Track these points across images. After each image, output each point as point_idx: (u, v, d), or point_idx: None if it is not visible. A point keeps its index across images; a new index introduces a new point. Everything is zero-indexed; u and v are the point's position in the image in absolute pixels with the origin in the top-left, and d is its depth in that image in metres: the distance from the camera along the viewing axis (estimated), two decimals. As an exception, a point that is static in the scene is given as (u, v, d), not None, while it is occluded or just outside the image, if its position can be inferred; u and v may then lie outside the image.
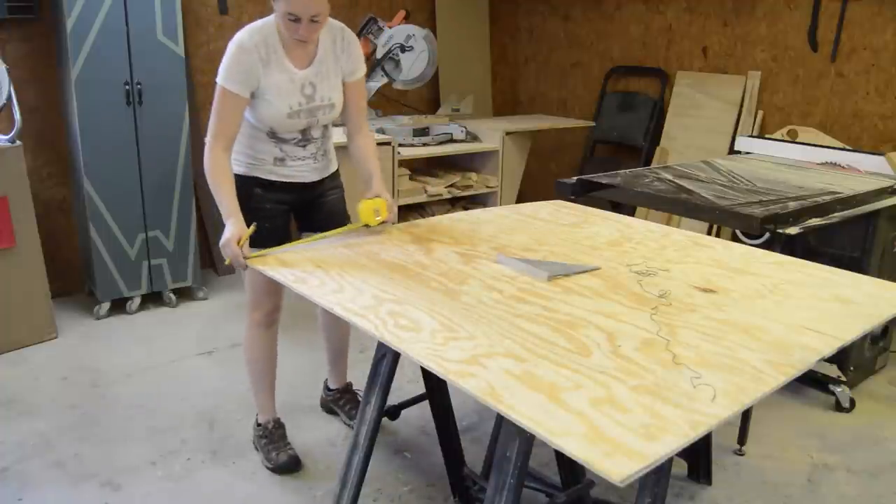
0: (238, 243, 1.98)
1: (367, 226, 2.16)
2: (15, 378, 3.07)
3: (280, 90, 2.15)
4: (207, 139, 2.12)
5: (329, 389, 2.84)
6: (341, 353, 2.77)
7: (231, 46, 2.10)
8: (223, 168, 2.12)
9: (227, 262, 2.00)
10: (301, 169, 2.32)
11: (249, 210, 2.15)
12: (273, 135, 2.24)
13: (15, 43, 3.62)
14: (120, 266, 3.68)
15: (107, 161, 3.53)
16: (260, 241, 2.06)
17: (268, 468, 2.47)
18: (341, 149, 2.45)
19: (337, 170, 2.49)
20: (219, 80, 2.10)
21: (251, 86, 2.12)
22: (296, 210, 2.41)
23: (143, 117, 3.59)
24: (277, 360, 2.56)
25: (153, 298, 3.87)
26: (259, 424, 2.58)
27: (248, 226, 2.04)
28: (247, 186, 2.25)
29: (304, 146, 2.29)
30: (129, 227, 3.67)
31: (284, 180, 2.31)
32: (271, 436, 2.53)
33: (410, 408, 2.50)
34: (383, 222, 2.18)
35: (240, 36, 2.11)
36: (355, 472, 1.97)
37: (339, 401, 2.78)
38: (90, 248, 3.62)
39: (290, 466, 2.45)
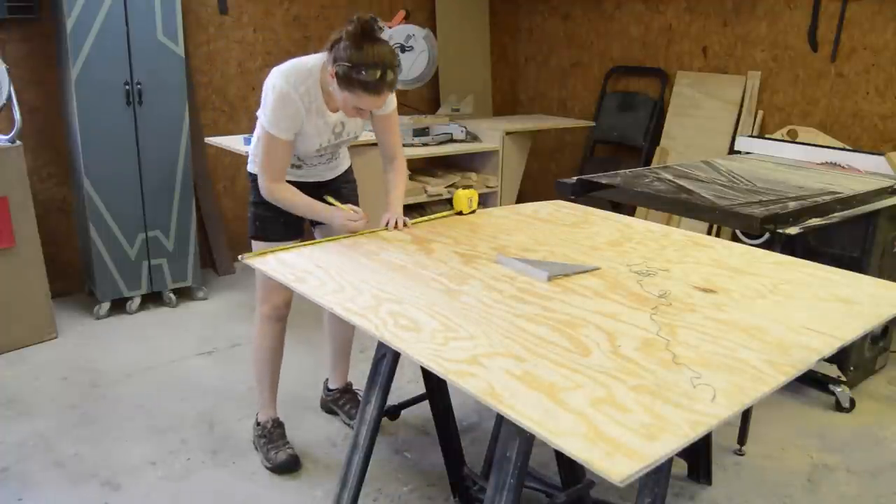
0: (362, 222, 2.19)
1: (460, 213, 2.45)
2: (15, 378, 3.07)
3: (315, 131, 2.23)
4: (262, 178, 2.23)
5: (329, 389, 2.84)
6: (344, 353, 2.77)
7: (275, 95, 2.13)
8: (286, 190, 2.24)
9: (361, 233, 2.19)
10: (315, 171, 2.42)
11: (267, 204, 2.28)
12: (295, 157, 2.33)
13: (15, 43, 3.62)
14: (120, 266, 3.68)
15: (107, 161, 3.53)
16: (273, 233, 2.25)
17: (267, 468, 2.47)
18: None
19: (350, 166, 2.56)
20: (266, 125, 2.16)
21: (296, 129, 2.19)
22: (326, 195, 2.44)
23: (143, 117, 3.59)
24: (289, 357, 2.59)
25: (153, 298, 3.87)
26: (258, 423, 2.58)
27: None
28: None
29: (320, 157, 2.39)
30: (129, 227, 3.67)
31: (300, 180, 2.38)
32: (270, 435, 2.53)
33: (410, 408, 2.50)
34: (473, 211, 2.47)
35: (282, 85, 2.13)
36: (355, 472, 1.97)
37: (339, 401, 2.78)
38: (90, 248, 3.62)
39: (289, 466, 2.45)
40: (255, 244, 2.38)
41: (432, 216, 2.43)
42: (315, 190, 2.39)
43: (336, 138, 2.30)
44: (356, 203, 2.48)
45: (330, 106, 2.22)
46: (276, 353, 2.53)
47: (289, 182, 2.32)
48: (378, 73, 1.98)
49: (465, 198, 2.46)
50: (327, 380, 2.86)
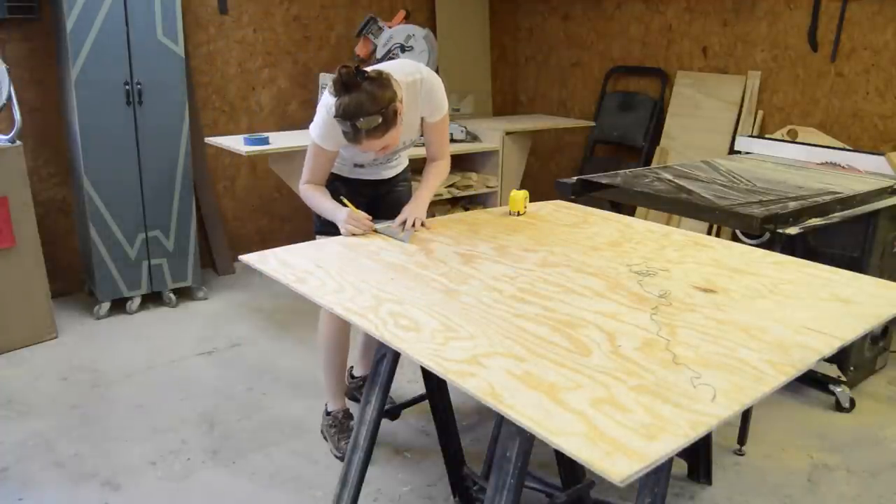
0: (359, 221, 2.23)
1: (518, 213, 2.49)
2: (15, 378, 3.07)
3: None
4: (302, 182, 2.35)
5: (353, 377, 2.91)
6: (374, 343, 2.79)
7: (323, 109, 2.19)
8: (315, 191, 2.33)
9: (357, 233, 2.22)
10: (375, 170, 2.50)
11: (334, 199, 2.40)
12: (355, 163, 2.46)
13: (15, 43, 3.62)
14: (120, 266, 3.68)
15: (107, 161, 3.53)
16: (336, 228, 2.29)
17: (336, 457, 2.53)
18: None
19: (407, 166, 2.64)
20: (314, 137, 2.26)
21: (338, 144, 2.24)
22: (369, 203, 2.49)
23: (143, 117, 3.59)
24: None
25: (153, 298, 3.87)
26: (328, 413, 2.63)
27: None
28: (329, 180, 2.44)
29: (378, 163, 2.47)
30: (129, 227, 3.67)
31: (360, 177, 2.49)
32: (340, 425, 2.59)
33: (410, 408, 2.51)
34: (520, 213, 2.50)
35: (331, 103, 2.14)
36: (355, 471, 1.97)
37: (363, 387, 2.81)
38: (90, 248, 3.62)
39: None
40: (320, 238, 2.41)
41: (472, 210, 2.49)
42: (373, 187, 2.52)
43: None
44: (404, 202, 2.50)
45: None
46: (342, 341, 2.55)
47: (349, 179, 2.47)
48: (348, 126, 2.01)
49: (522, 199, 2.49)
50: (352, 368, 2.92)
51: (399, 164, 2.58)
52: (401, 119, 2.11)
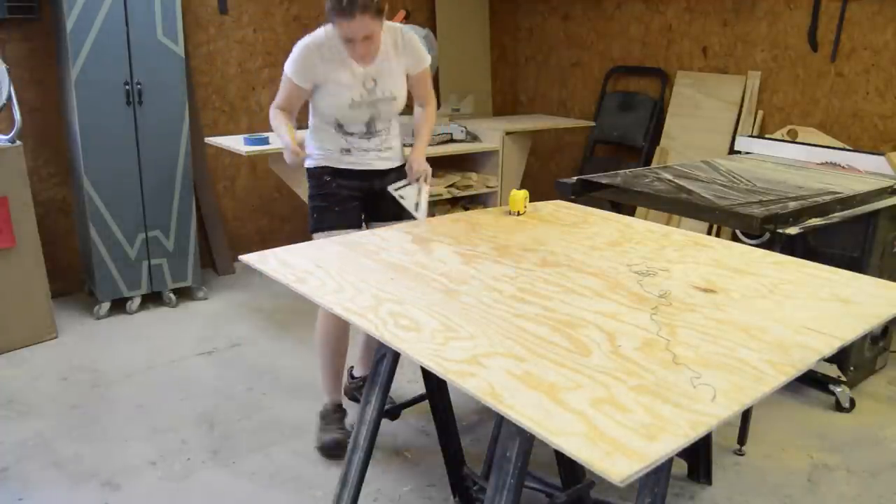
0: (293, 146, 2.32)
1: (517, 213, 2.45)
2: (15, 378, 3.07)
3: (341, 83, 2.38)
4: (273, 105, 2.48)
5: (353, 377, 2.91)
6: (373, 342, 2.80)
7: (299, 43, 2.38)
8: (280, 116, 2.45)
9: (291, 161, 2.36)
10: (366, 158, 2.53)
11: (323, 195, 2.51)
12: (339, 127, 2.47)
13: (15, 43, 3.62)
14: (120, 266, 3.68)
15: (107, 161, 3.54)
16: (329, 222, 2.45)
17: (316, 447, 2.57)
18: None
19: (401, 167, 2.63)
20: (285, 69, 2.41)
21: (309, 79, 2.39)
22: (365, 201, 2.57)
23: (143, 117, 3.59)
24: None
25: (153, 298, 3.87)
26: (322, 405, 2.67)
27: (325, 206, 2.49)
28: (320, 175, 2.53)
29: (368, 139, 2.50)
30: (129, 227, 3.67)
31: (352, 168, 2.52)
32: (327, 417, 2.62)
33: (410, 408, 2.51)
34: (520, 213, 2.46)
35: (306, 39, 2.38)
36: (355, 471, 1.97)
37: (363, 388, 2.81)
38: (90, 248, 3.62)
39: (329, 447, 2.53)
40: (316, 236, 2.46)
41: (472, 210, 2.55)
42: (369, 180, 2.54)
43: (369, 94, 2.40)
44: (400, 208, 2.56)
45: (357, 60, 2.36)
46: (338, 337, 2.56)
47: (341, 170, 2.52)
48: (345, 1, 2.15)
49: (521, 199, 2.47)
50: (353, 368, 2.92)
51: (391, 155, 2.59)
52: (382, 24, 2.28)
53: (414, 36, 2.48)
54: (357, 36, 2.23)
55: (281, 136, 2.42)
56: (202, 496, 2.34)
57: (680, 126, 4.60)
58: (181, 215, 3.81)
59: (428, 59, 2.53)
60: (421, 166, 2.50)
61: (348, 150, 2.50)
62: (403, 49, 2.45)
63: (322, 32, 2.38)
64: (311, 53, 2.35)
